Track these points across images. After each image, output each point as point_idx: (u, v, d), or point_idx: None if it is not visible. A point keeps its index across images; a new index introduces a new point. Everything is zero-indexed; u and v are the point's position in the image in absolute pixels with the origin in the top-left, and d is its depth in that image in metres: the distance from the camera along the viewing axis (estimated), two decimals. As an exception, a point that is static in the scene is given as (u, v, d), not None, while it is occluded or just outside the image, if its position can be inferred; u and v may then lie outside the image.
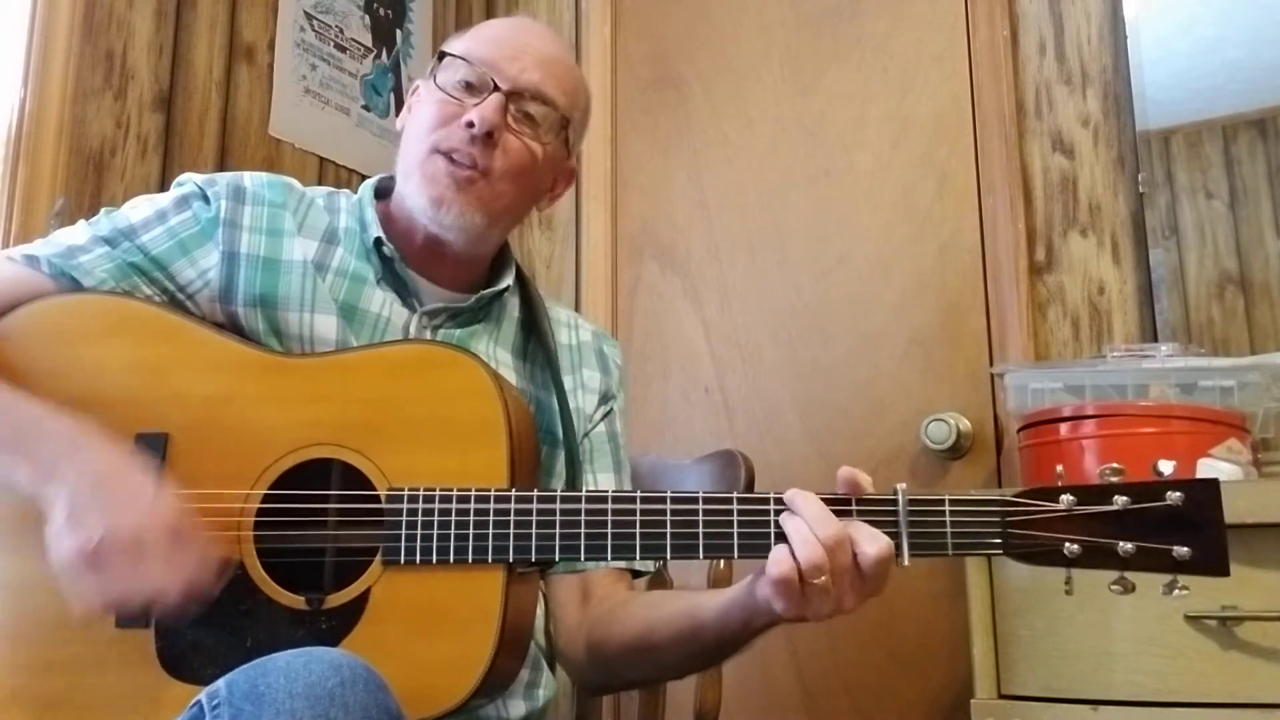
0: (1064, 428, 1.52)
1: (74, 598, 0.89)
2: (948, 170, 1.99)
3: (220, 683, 0.79)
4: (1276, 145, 1.76)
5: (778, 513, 0.91)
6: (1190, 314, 1.77)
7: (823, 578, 0.86)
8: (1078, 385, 1.56)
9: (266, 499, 0.96)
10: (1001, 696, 1.36)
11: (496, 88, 1.10)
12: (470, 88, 1.12)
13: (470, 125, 1.08)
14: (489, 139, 1.09)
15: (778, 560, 0.87)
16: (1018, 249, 1.88)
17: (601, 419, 1.23)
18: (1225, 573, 0.85)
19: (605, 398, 1.24)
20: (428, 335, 1.14)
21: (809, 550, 0.86)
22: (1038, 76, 1.94)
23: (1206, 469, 1.39)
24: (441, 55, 1.15)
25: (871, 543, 0.87)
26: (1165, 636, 1.25)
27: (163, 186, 1.76)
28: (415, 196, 1.12)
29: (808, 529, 0.87)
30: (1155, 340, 1.75)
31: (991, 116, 1.94)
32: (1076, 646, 1.30)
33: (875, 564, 0.87)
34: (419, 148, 1.12)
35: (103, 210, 1.13)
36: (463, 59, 1.13)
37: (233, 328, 1.08)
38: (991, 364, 1.87)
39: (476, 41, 1.15)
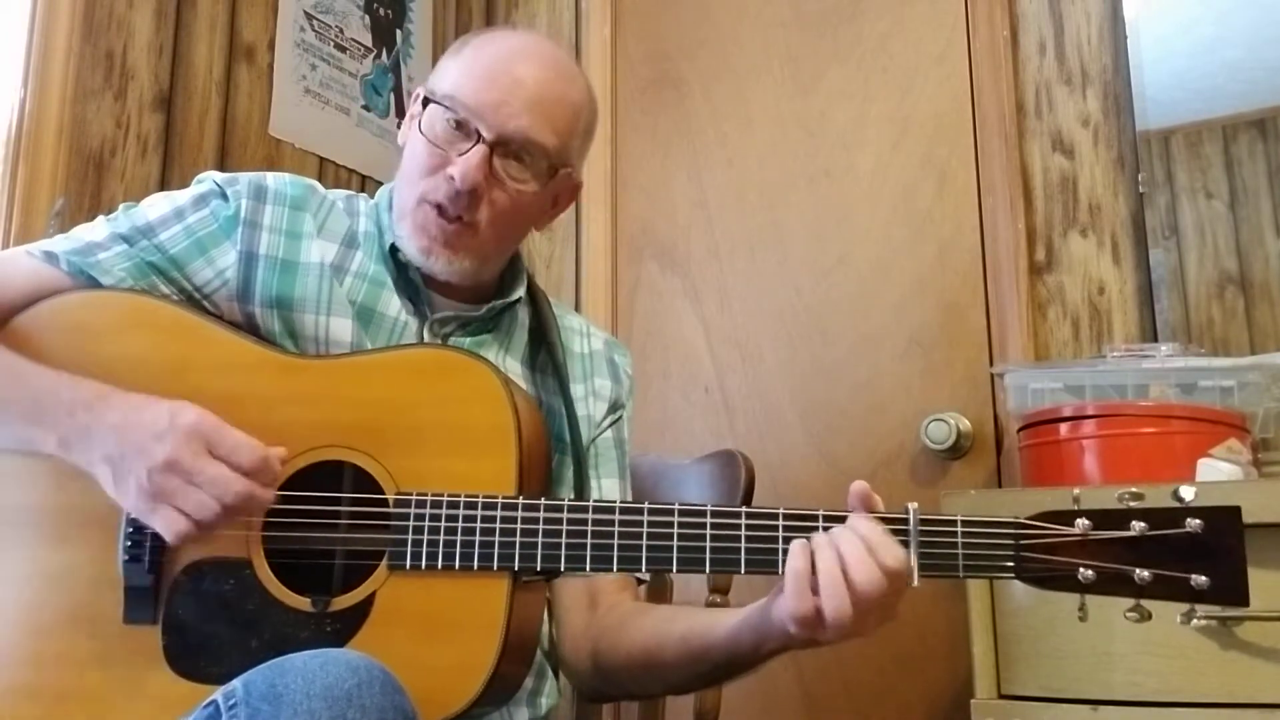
0: (1064, 428, 1.52)
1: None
2: (948, 170, 1.99)
3: (237, 682, 0.80)
4: (1276, 145, 1.77)
5: (786, 529, 0.90)
6: (1190, 314, 1.78)
7: (846, 620, 0.84)
8: (1078, 385, 1.56)
9: (276, 500, 0.97)
10: (1001, 696, 1.36)
11: (480, 138, 1.07)
12: (459, 126, 1.08)
13: (453, 179, 1.06)
14: (473, 194, 1.07)
15: (798, 592, 0.86)
16: (1018, 249, 1.88)
17: (609, 426, 1.23)
18: (1245, 603, 0.83)
19: (615, 406, 1.24)
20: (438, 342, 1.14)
21: (838, 600, 0.85)
22: (1038, 76, 1.94)
23: (1206, 469, 1.39)
24: (427, 101, 1.10)
25: (888, 551, 0.86)
26: (1165, 636, 1.25)
27: (162, 187, 1.76)
28: (406, 241, 1.11)
29: (839, 576, 0.85)
30: (1155, 340, 1.75)
31: (991, 116, 1.94)
32: (1076, 646, 1.30)
33: (894, 574, 0.85)
34: (409, 193, 1.11)
35: (121, 206, 1.12)
36: (447, 106, 1.08)
37: (250, 328, 1.08)
38: (991, 364, 1.87)
39: (465, 77, 1.10)
